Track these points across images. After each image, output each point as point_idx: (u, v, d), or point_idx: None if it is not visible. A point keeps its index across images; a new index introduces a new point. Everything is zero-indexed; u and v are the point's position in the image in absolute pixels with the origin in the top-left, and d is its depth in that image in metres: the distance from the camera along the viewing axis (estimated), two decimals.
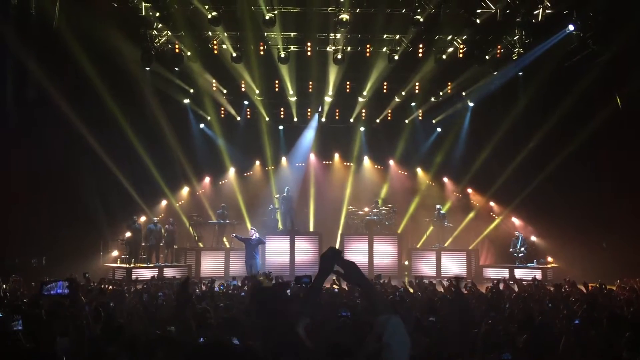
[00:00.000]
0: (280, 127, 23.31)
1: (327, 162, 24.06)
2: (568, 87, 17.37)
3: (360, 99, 21.76)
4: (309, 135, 23.24)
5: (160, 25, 17.64)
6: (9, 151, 16.10)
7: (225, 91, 21.52)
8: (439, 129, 22.88)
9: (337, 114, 22.85)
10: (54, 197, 17.16)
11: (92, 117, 17.61)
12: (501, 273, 17.82)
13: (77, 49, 16.06)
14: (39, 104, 16.50)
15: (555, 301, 9.48)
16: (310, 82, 20.93)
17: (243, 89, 21.05)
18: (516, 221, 20.71)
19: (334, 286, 11.63)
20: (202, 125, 22.47)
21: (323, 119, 22.74)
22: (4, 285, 12.61)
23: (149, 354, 5.29)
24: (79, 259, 17.09)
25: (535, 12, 16.55)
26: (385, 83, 20.93)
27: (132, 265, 17.84)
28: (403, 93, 21.28)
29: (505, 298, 10.09)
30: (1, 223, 15.99)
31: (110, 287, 11.66)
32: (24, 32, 15.47)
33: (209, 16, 16.39)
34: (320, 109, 22.50)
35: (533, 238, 19.93)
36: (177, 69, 19.38)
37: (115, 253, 19.55)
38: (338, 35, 18.08)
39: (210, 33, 18.26)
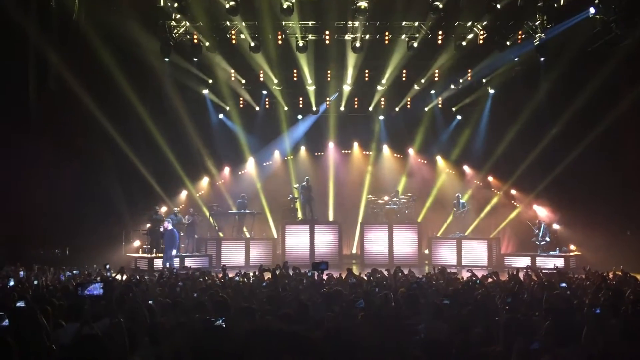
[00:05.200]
0: (299, 117, 23.27)
1: (347, 151, 23.99)
2: (592, 72, 17.07)
3: (379, 88, 21.61)
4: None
5: (178, 16, 17.68)
6: (30, 143, 16.33)
7: (243, 81, 21.51)
8: (459, 117, 22.64)
9: (355, 102, 22.71)
10: (76, 188, 17.39)
11: (113, 108, 17.78)
12: (523, 261, 17.65)
13: (97, 41, 16.22)
14: (60, 95, 16.71)
15: (575, 289, 9.40)
16: (329, 71, 20.84)
17: (262, 79, 21.01)
18: (538, 209, 20.48)
19: (352, 274, 11.64)
20: (221, 116, 22.52)
21: (342, 108, 22.63)
22: (32, 275, 12.87)
23: (171, 342, 5.35)
24: (101, 249, 17.37)
25: None
26: (404, 71, 20.73)
27: (153, 255, 18.02)
28: (422, 81, 21.06)
29: (526, 286, 10.00)
30: (25, 214, 16.27)
31: (125, 277, 11.82)
32: (45, 24, 15.64)
33: (227, 6, 16.36)
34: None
35: (555, 226, 19.69)
36: (195, 59, 19.42)
37: (137, 243, 19.77)
38: (356, 23, 17.94)
39: (228, 23, 18.25)
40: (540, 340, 5.16)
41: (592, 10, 15.84)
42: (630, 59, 16.14)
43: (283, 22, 17.94)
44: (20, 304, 6.76)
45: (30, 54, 16.01)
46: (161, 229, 17.86)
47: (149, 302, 7.64)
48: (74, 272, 13.27)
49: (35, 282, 11.44)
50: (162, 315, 6.93)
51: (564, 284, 9.62)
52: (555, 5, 16.36)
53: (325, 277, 11.09)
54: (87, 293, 5.85)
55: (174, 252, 17.41)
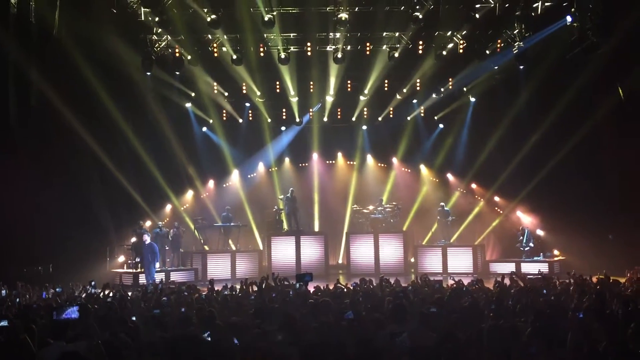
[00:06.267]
0: (283, 128, 23.30)
1: (331, 162, 24.04)
2: (570, 79, 17.33)
3: (362, 98, 21.74)
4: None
5: (159, 29, 17.66)
6: (12, 160, 16.15)
7: (226, 94, 21.53)
8: (441, 125, 22.82)
9: (339, 113, 22.83)
10: (59, 204, 17.21)
11: (95, 123, 17.66)
12: (508, 268, 17.74)
13: (78, 56, 16.13)
14: (41, 112, 16.57)
15: (558, 294, 9.48)
16: (312, 82, 20.92)
17: (244, 91, 21.06)
18: (521, 215, 20.65)
19: (339, 284, 11.67)
20: (204, 129, 22.48)
21: (325, 119, 22.72)
22: (13, 294, 12.68)
23: (155, 357, 5.32)
24: (85, 265, 17.17)
25: (534, 5, 16.51)
26: (386, 81, 20.89)
27: (138, 270, 17.85)
28: (404, 90, 21.22)
29: (512, 292, 10.07)
30: (7, 231, 16.05)
31: (109, 293, 11.73)
32: (25, 40, 15.53)
33: (208, 19, 16.40)
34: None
35: (539, 231, 19.87)
36: (177, 73, 19.38)
37: (121, 258, 19.60)
38: (338, 35, 18.06)
39: (209, 36, 18.29)
40: (534, 345, 5.23)
41: (569, 18, 16.11)
42: (608, 66, 16.42)
43: (265, 35, 18.03)
44: (4, 323, 6.67)
45: (10, 70, 15.87)
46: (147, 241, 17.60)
47: (132, 318, 7.58)
48: (57, 289, 13.08)
49: (17, 301, 11.29)
50: (146, 330, 6.87)
51: (545, 291, 9.72)
52: (533, 14, 16.59)
53: (313, 288, 11.08)
54: (64, 317, 5.80)
55: (157, 264, 17.21)
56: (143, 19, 17.01)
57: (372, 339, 5.67)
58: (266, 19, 16.37)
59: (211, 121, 22.19)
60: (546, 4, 16.42)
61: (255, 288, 11.24)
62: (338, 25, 16.83)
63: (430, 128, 23.05)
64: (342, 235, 22.17)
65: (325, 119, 22.77)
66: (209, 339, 5.74)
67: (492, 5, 16.78)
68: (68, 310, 5.70)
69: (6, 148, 15.94)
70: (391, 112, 22.70)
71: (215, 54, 18.65)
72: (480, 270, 19.15)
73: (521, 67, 18.36)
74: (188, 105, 21.46)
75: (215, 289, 12.11)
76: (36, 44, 15.87)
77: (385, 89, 21.30)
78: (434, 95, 21.57)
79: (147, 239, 17.20)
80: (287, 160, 23.77)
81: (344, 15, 16.51)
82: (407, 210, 22.15)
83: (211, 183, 22.81)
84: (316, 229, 22.64)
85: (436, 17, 17.07)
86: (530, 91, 18.90)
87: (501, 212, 21.34)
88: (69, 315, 5.67)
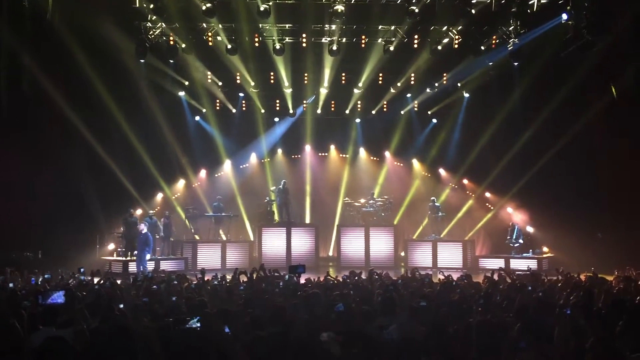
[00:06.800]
0: (276, 119, 23.25)
1: (323, 154, 24.03)
2: (564, 77, 17.39)
3: (356, 91, 21.69)
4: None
5: (154, 17, 17.48)
6: (3, 144, 16.06)
7: (220, 83, 21.39)
8: (434, 120, 22.85)
9: (332, 105, 22.79)
10: (49, 190, 17.13)
11: (87, 109, 17.57)
12: (497, 263, 17.85)
13: (71, 42, 16.00)
14: (33, 97, 16.45)
15: (546, 290, 9.55)
16: (306, 74, 20.84)
17: (238, 81, 20.95)
18: (512, 211, 20.76)
19: (329, 277, 11.72)
20: (197, 118, 22.40)
21: (319, 111, 22.67)
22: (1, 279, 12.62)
23: (146, 346, 5.31)
24: (75, 252, 17.14)
25: (530, 2, 16.50)
26: (380, 74, 20.80)
27: (128, 258, 17.83)
28: (399, 84, 21.18)
29: (499, 288, 10.14)
30: None
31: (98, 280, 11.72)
32: (18, 24, 15.39)
33: (203, 7, 16.24)
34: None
35: (529, 228, 19.99)
36: (171, 61, 19.25)
37: (111, 246, 19.55)
38: (333, 27, 17.99)
39: (204, 25, 18.13)
40: (524, 340, 5.28)
41: (564, 16, 16.12)
42: (602, 64, 16.48)
43: (260, 25, 17.88)
44: None
45: (2, 55, 15.73)
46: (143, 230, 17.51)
47: (120, 305, 7.57)
48: (45, 276, 13.03)
49: (11, 285, 11.26)
50: (136, 318, 6.87)
51: (530, 287, 9.80)
52: (529, 11, 16.59)
53: (303, 280, 11.11)
54: (50, 302, 5.78)
55: (147, 256, 17.15)
56: (137, 5, 16.81)
57: (361, 331, 5.69)
58: (262, 8, 16.23)
59: (204, 110, 22.09)
60: (542, 1, 16.40)
61: (245, 278, 11.26)
62: (334, 17, 16.74)
63: (423, 123, 23.07)
64: (333, 227, 22.21)
65: (318, 111, 22.71)
66: (199, 324, 5.74)
67: (488, 1, 16.76)
68: (54, 294, 5.69)
69: None
70: (385, 106, 22.69)
71: (210, 43, 18.50)
72: (469, 266, 19.27)
73: (515, 63, 18.35)
74: (181, 93, 21.34)
75: (205, 278, 12.11)
76: (29, 28, 15.71)
77: (380, 82, 21.21)
78: (428, 90, 21.54)
79: (143, 228, 17.10)
80: (279, 151, 23.74)
81: (339, 7, 16.40)
82: (399, 204, 22.22)
83: (203, 173, 22.74)
84: (307, 220, 22.67)
85: (432, 12, 16.98)
86: (524, 88, 18.94)
87: (492, 208, 21.44)
88: (54, 300, 5.66)
